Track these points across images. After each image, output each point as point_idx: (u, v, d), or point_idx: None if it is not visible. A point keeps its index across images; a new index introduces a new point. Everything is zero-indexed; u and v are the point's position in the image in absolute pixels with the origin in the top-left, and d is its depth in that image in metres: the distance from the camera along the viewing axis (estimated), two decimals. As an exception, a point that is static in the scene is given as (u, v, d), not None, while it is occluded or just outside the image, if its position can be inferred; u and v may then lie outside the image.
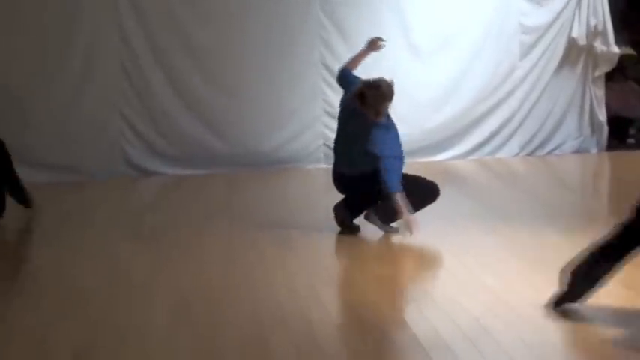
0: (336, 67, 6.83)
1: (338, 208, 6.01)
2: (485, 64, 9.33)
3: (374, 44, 6.34)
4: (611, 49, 9.56)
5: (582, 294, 4.06)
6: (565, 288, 4.08)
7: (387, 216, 5.81)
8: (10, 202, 6.79)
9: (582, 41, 9.52)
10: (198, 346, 3.84)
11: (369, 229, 5.92)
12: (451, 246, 5.54)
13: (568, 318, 4.04)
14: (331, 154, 6.37)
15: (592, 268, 4.01)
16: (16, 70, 8.35)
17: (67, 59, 8.46)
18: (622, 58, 9.68)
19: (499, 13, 9.32)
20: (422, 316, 4.29)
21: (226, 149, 8.85)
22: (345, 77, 6.20)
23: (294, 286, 4.73)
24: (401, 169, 5.72)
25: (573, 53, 9.61)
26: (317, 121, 9.05)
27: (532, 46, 9.48)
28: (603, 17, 9.50)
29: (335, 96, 7.86)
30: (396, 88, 5.77)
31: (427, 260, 5.58)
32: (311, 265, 5.28)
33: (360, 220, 5.97)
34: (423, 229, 5.68)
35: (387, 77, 5.74)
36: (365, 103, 5.70)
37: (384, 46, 6.37)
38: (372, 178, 5.70)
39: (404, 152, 5.84)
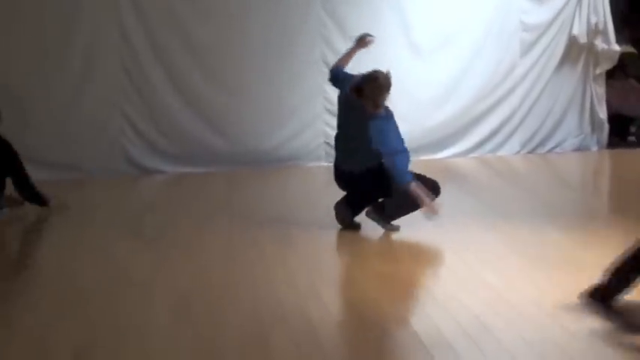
0: (337, 66, 6.82)
1: (339, 206, 6.00)
2: (486, 62, 9.32)
3: (362, 41, 6.32)
4: (612, 46, 9.54)
5: (616, 293, 4.10)
6: (603, 283, 4.11)
7: (395, 210, 5.79)
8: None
9: (583, 39, 9.50)
10: (199, 344, 3.84)
11: (369, 226, 5.92)
12: (452, 243, 5.55)
13: (568, 316, 4.04)
14: (332, 151, 6.36)
15: (631, 270, 4.05)
16: (15, 70, 8.34)
17: (66, 59, 8.43)
18: (623, 56, 9.67)
19: (500, 11, 9.30)
20: (423, 314, 4.30)
21: (227, 147, 8.84)
22: (336, 76, 6.19)
23: (295, 283, 4.73)
24: (407, 159, 5.72)
25: (574, 51, 9.59)
26: (318, 119, 9.04)
27: (533, 44, 9.46)
28: (604, 15, 9.48)
29: (335, 94, 7.80)
30: (397, 87, 5.77)
31: (428, 258, 5.57)
32: (311, 262, 5.28)
33: (360, 218, 5.97)
34: (424, 226, 5.67)
35: (384, 69, 5.74)
36: (363, 96, 5.69)
37: (373, 42, 6.35)
38: (373, 173, 5.70)
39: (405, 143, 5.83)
